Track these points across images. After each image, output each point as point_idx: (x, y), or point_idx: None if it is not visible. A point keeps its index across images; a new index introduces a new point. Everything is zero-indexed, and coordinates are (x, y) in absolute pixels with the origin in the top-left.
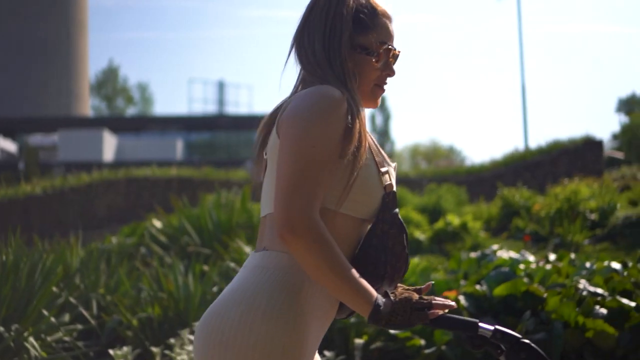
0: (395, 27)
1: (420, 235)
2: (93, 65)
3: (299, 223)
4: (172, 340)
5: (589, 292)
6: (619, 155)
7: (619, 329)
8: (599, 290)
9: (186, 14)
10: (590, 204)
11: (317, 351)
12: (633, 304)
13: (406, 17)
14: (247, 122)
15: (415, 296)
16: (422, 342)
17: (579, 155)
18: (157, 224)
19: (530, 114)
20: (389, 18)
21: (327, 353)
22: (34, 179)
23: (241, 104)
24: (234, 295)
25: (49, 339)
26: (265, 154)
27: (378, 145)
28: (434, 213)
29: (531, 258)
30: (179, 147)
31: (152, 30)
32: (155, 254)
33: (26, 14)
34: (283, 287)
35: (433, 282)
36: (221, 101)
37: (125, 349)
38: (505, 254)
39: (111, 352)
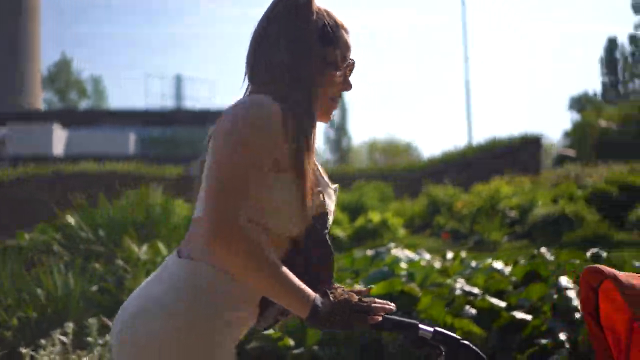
0: (350, 39)
1: (340, 232)
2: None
3: (223, 229)
4: (42, 341)
5: (464, 291)
6: (571, 153)
7: (488, 329)
8: (475, 290)
9: (147, 9)
10: (511, 202)
11: None
12: (504, 304)
13: (363, 14)
14: (206, 117)
15: (355, 298)
16: (292, 342)
17: (517, 153)
18: (71, 220)
19: (482, 111)
20: (347, 31)
21: None
22: None
23: (202, 99)
24: (153, 304)
25: None
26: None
27: (319, 167)
28: (356, 210)
29: (449, 255)
30: (132, 142)
31: (109, 25)
32: (51, 252)
33: None
34: (201, 305)
35: (372, 286)
36: (179, 96)
37: None
38: (400, 252)
39: None
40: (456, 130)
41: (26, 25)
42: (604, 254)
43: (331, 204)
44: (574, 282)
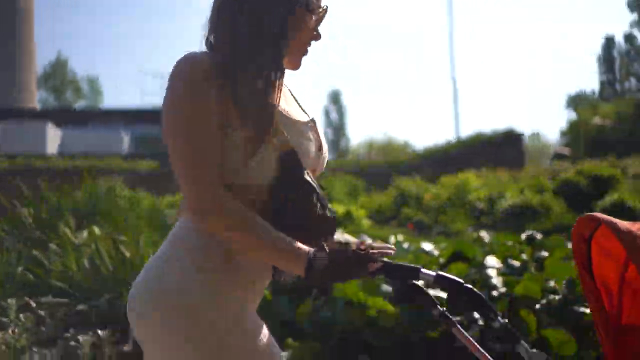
0: None
1: None
2: (41, 58)
3: (203, 205)
4: None
5: None
6: (566, 151)
7: (403, 308)
8: None
9: (141, 5)
10: (479, 194)
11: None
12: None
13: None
14: None
15: (353, 247)
16: None
17: (500, 148)
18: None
19: (471, 109)
20: None
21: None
22: None
23: None
24: (154, 262)
25: None
26: None
27: (293, 97)
28: None
29: (392, 240)
30: (125, 141)
31: (103, 22)
32: None
33: None
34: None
35: (366, 238)
36: None
37: None
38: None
39: None
40: (451, 128)
41: (21, 25)
42: (539, 236)
43: (306, 141)
44: (502, 262)
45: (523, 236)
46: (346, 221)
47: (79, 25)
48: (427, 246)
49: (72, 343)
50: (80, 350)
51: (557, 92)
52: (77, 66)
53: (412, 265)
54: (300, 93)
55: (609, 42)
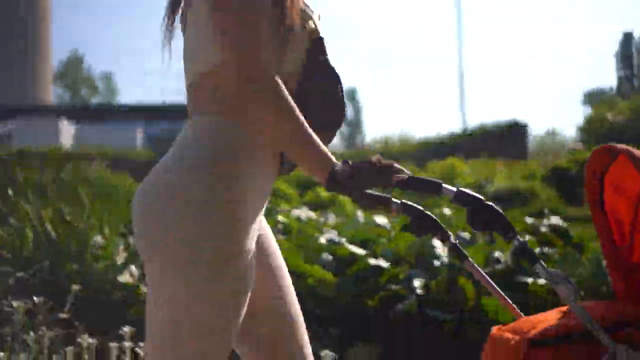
0: None
1: (287, 207)
2: (57, 54)
3: (258, 78)
4: None
5: (329, 241)
6: (580, 147)
7: (344, 276)
8: (339, 239)
9: (141, 5)
10: (467, 179)
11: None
12: (364, 251)
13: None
14: None
15: (375, 158)
16: None
17: (504, 140)
18: None
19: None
20: None
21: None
22: None
23: None
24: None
25: None
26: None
27: None
28: (306, 186)
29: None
30: (139, 137)
31: (120, 19)
32: None
33: None
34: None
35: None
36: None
37: None
38: (303, 213)
39: None
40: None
41: (37, 21)
42: None
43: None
44: (453, 234)
45: None
46: (330, 205)
47: (95, 20)
48: (381, 220)
49: (7, 309)
50: (14, 316)
51: (576, 89)
52: (92, 62)
53: (434, 179)
54: None
55: (627, 37)
